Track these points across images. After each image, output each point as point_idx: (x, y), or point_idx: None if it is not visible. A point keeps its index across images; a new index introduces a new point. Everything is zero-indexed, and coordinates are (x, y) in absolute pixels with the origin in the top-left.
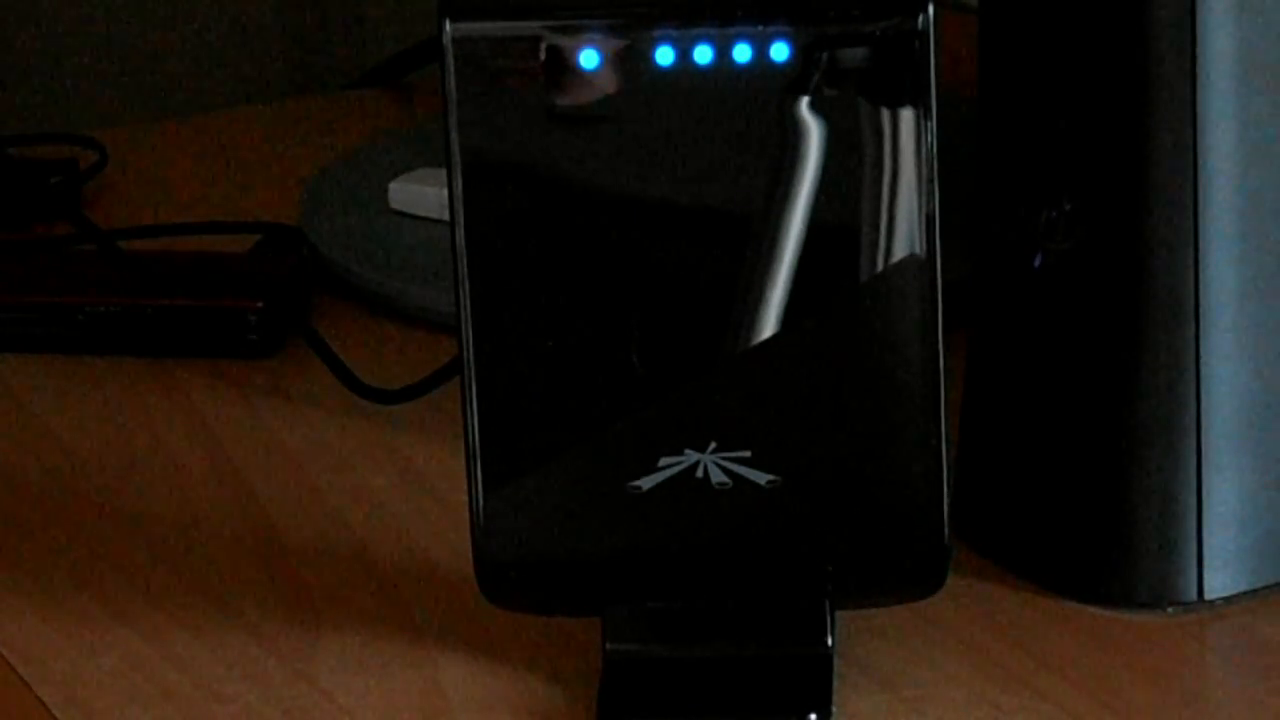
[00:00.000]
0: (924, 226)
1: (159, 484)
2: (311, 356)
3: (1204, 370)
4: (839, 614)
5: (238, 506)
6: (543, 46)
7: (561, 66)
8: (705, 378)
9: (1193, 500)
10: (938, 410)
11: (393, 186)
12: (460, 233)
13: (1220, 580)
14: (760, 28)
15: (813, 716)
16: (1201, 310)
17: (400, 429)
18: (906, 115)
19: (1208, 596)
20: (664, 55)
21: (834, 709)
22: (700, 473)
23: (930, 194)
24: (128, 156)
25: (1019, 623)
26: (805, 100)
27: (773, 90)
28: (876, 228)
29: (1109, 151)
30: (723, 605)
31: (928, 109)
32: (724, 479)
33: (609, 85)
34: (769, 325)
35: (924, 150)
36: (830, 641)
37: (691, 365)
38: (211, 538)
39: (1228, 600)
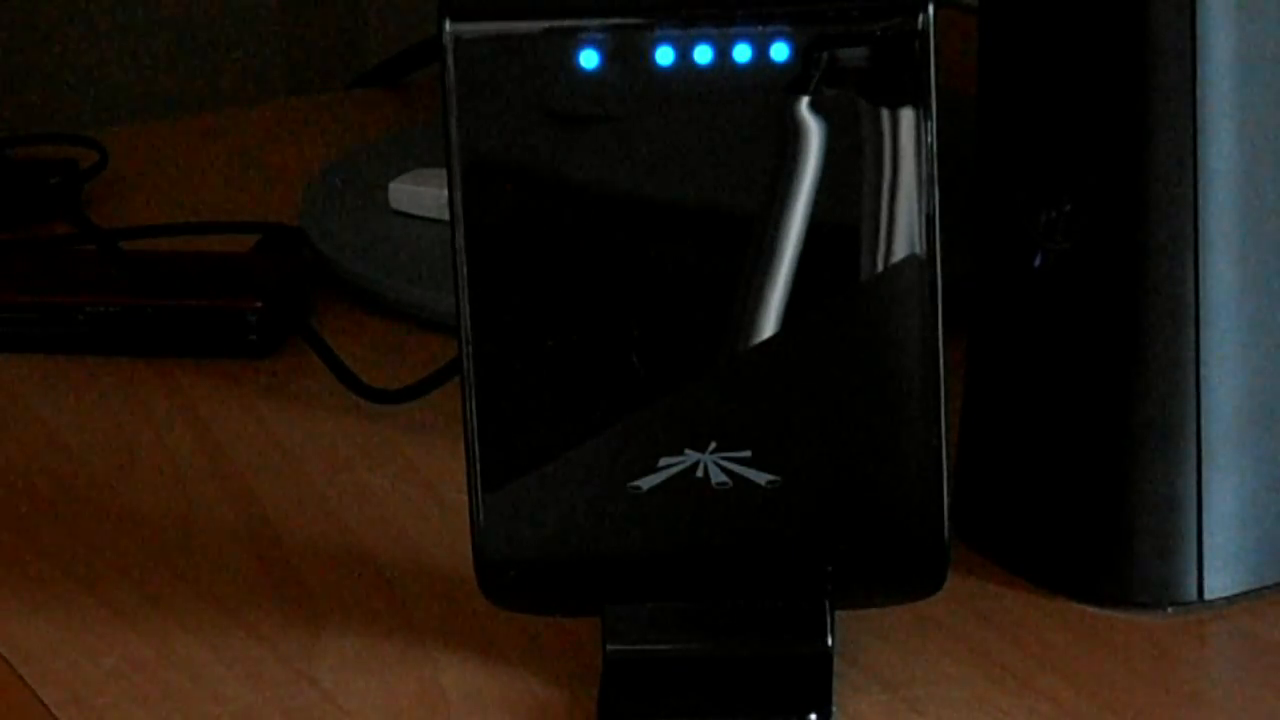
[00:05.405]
0: (924, 226)
1: (159, 484)
2: (311, 356)
3: (1204, 370)
4: (839, 614)
5: (238, 506)
6: (543, 46)
7: (561, 66)
8: (705, 378)
9: (1193, 500)
10: (938, 410)
11: (393, 186)
12: (460, 233)
13: (1220, 580)
14: (760, 28)
15: (813, 716)
16: (1201, 310)
17: (400, 429)
18: (906, 115)
19: (1208, 596)
20: (664, 55)
21: (834, 709)
22: (700, 473)
23: (930, 194)
24: (128, 156)
25: (1019, 623)
26: (805, 100)
27: (773, 90)
28: (876, 228)
29: (1109, 151)
30: (723, 605)
31: (928, 109)
32: (724, 479)
33: (609, 85)
34: (769, 325)
35: (924, 150)
36: (830, 641)
37: (691, 365)
38: (211, 538)
39: (1228, 600)
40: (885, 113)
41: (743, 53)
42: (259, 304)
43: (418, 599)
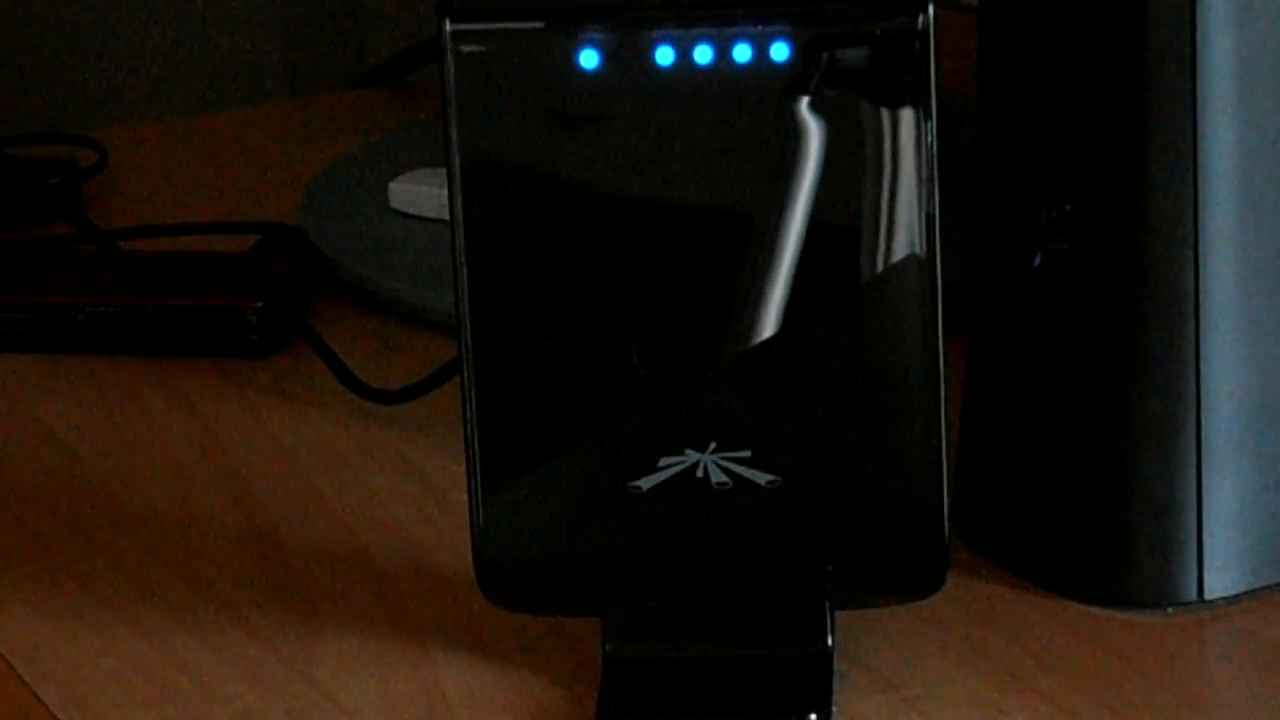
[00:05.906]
0: (924, 226)
1: (159, 484)
2: (311, 356)
3: (1204, 370)
4: (839, 614)
5: (238, 506)
6: (543, 46)
7: (561, 66)
8: (705, 378)
9: (1193, 500)
10: (938, 410)
11: (393, 186)
12: (460, 233)
13: (1220, 580)
14: (760, 28)
15: (813, 716)
16: (1201, 310)
17: (400, 429)
18: (906, 115)
19: (1208, 596)
20: (664, 55)
21: (834, 709)
22: (700, 473)
23: (930, 194)
24: (128, 156)
25: (1019, 623)
26: (805, 100)
27: (773, 90)
28: (876, 228)
29: (1109, 151)
30: (723, 605)
31: (928, 109)
32: (724, 479)
33: (609, 85)
34: (769, 325)
35: (924, 150)
36: (830, 641)
37: (691, 365)
38: (211, 538)
39: (1228, 600)
40: (885, 113)
41: (743, 53)
42: (259, 304)
43: (418, 599)
